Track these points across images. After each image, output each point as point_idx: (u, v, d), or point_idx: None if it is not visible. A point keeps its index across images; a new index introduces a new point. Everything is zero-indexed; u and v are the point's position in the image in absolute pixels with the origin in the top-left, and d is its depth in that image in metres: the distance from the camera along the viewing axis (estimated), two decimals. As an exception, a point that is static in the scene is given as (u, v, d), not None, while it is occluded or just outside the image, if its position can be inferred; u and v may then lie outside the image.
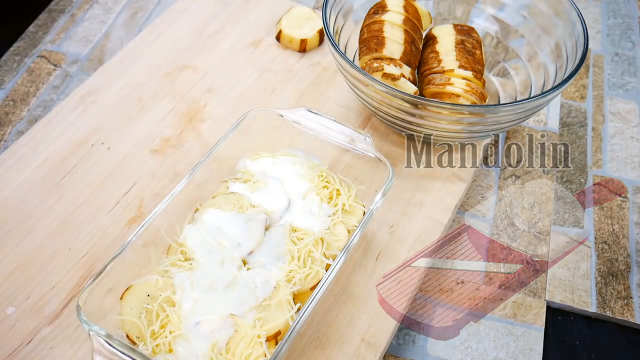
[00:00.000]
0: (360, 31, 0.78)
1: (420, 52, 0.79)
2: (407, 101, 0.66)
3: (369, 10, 0.79)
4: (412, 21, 0.76)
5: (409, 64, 0.75)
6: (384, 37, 0.74)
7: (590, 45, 0.98)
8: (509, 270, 0.71)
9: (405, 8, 0.77)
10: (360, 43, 0.78)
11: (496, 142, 0.84)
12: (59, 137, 0.76)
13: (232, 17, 0.93)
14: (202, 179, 0.63)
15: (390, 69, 0.71)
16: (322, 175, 0.66)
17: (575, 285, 0.70)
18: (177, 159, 0.75)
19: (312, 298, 0.53)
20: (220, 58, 0.87)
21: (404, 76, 0.72)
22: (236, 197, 0.63)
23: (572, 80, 0.84)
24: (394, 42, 0.74)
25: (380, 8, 0.77)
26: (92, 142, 0.76)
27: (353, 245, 0.57)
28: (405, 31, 0.75)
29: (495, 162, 0.81)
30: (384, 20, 0.75)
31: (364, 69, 0.71)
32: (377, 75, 0.70)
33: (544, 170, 0.81)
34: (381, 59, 0.74)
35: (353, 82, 0.70)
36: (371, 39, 0.75)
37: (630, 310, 0.68)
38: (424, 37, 0.80)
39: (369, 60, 0.74)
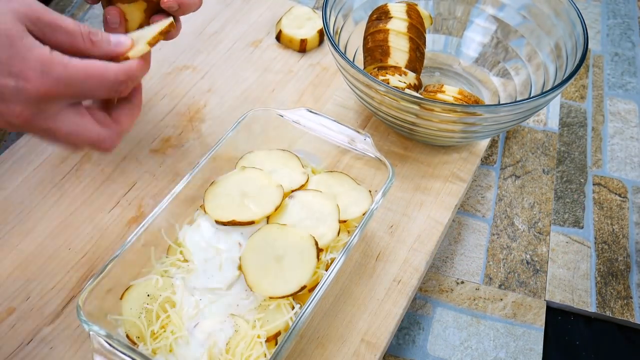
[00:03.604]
0: (364, 39, 0.78)
1: (424, 56, 0.79)
2: (408, 101, 0.66)
3: (371, 15, 0.78)
4: (416, 26, 0.76)
5: (414, 70, 0.75)
6: (389, 46, 0.74)
7: (590, 45, 0.98)
8: (509, 270, 0.71)
9: (408, 13, 0.77)
10: (364, 52, 0.78)
11: (496, 142, 0.84)
12: (59, 137, 0.76)
13: (232, 17, 0.93)
14: (202, 179, 0.63)
15: (395, 81, 0.71)
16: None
17: (575, 285, 0.70)
18: (177, 159, 0.75)
19: (312, 298, 0.53)
20: (220, 58, 0.87)
21: (409, 87, 0.73)
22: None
23: (572, 81, 0.84)
24: (399, 50, 0.75)
25: (383, 14, 0.77)
26: (92, 142, 0.76)
27: (353, 245, 0.57)
28: (410, 39, 0.75)
29: (495, 162, 0.81)
30: (388, 30, 0.75)
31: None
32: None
33: (544, 170, 0.81)
34: (385, 67, 0.74)
35: (353, 82, 0.70)
36: (376, 49, 0.75)
37: (630, 310, 0.68)
38: None
39: (373, 69, 0.74)
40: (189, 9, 0.62)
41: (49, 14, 0.47)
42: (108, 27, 0.61)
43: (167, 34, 0.56)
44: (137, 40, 0.53)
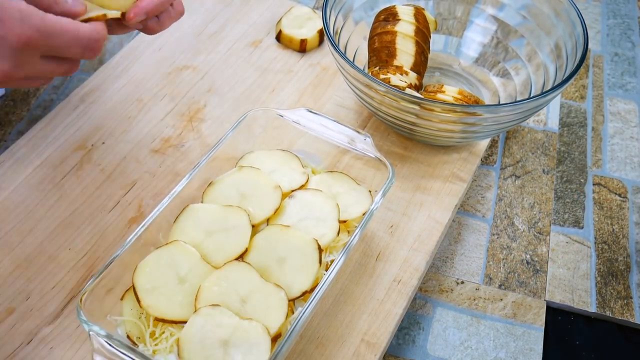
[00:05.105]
0: (370, 38, 0.78)
1: (427, 60, 0.79)
2: (408, 101, 0.66)
3: (379, 16, 0.78)
4: (423, 31, 0.77)
5: (417, 74, 0.76)
6: (395, 48, 0.75)
7: (590, 45, 0.98)
8: (509, 270, 0.71)
9: (416, 17, 0.77)
10: (370, 52, 0.78)
11: (496, 142, 0.84)
12: (59, 137, 0.76)
13: (232, 17, 0.93)
14: (202, 179, 0.63)
15: (396, 80, 0.72)
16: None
17: (575, 285, 0.70)
18: (177, 159, 0.75)
19: (311, 299, 0.53)
20: (220, 58, 0.87)
21: (410, 86, 0.73)
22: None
23: (572, 81, 0.84)
24: (405, 53, 0.75)
25: (391, 15, 0.77)
26: (92, 142, 0.76)
27: (353, 245, 0.57)
28: (417, 42, 0.75)
29: (495, 162, 0.81)
30: (396, 32, 0.75)
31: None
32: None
33: (544, 170, 0.81)
34: (387, 66, 0.74)
35: (353, 82, 0.70)
36: (382, 50, 0.76)
37: (630, 310, 0.68)
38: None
39: (375, 69, 0.74)
40: (156, 30, 0.62)
41: None
42: None
43: (126, 20, 0.57)
44: (89, 10, 0.55)
